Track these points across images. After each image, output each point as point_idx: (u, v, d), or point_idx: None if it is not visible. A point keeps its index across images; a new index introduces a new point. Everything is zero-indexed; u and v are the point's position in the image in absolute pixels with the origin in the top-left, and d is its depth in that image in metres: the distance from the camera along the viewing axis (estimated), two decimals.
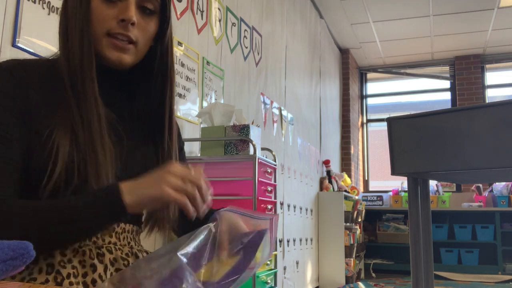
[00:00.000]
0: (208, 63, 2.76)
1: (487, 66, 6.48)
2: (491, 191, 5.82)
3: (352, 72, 6.67)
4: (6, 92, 0.77)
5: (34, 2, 1.61)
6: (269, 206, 2.37)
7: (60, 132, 0.78)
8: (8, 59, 0.84)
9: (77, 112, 0.80)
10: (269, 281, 2.29)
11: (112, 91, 0.91)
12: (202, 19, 2.73)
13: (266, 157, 2.42)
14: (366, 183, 6.95)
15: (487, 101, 6.26)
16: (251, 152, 2.22)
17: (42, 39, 1.63)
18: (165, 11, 0.90)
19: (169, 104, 0.93)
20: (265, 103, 3.57)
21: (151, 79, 0.93)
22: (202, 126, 2.47)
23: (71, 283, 0.75)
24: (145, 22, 0.87)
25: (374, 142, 7.06)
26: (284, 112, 3.99)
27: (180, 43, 2.48)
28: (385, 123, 1.31)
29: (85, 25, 0.82)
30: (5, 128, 0.75)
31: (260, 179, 2.24)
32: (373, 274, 5.66)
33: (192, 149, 2.52)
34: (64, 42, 0.84)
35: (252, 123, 3.09)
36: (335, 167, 5.69)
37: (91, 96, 0.81)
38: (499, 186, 5.75)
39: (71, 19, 0.83)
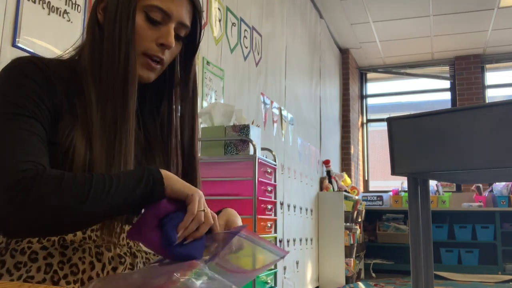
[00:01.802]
0: (208, 63, 2.76)
1: (487, 66, 6.48)
2: (491, 191, 5.82)
3: (352, 72, 6.67)
4: (32, 78, 0.79)
5: (34, 2, 1.61)
6: (269, 206, 2.38)
7: (78, 133, 0.79)
8: (26, 55, 0.86)
9: (102, 122, 0.81)
10: (269, 281, 2.29)
11: None
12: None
13: (266, 157, 2.42)
14: (366, 183, 6.94)
15: (487, 101, 6.26)
16: (251, 152, 2.22)
17: (42, 39, 1.63)
18: (193, 37, 0.94)
19: (196, 125, 0.99)
20: (265, 103, 3.57)
21: (164, 97, 0.97)
22: (202, 126, 2.47)
23: (68, 282, 0.75)
24: (175, 45, 0.91)
25: (374, 142, 7.06)
26: (284, 112, 3.99)
27: None
28: (385, 123, 1.31)
29: (131, 41, 0.84)
30: (33, 108, 0.76)
31: (260, 179, 2.24)
32: (373, 274, 5.67)
33: None
34: (99, 51, 0.85)
35: (252, 123, 3.09)
36: (335, 167, 5.69)
37: (131, 112, 0.83)
38: (499, 186, 5.75)
39: (116, 32, 0.84)
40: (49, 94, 0.79)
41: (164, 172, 0.76)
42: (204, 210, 0.77)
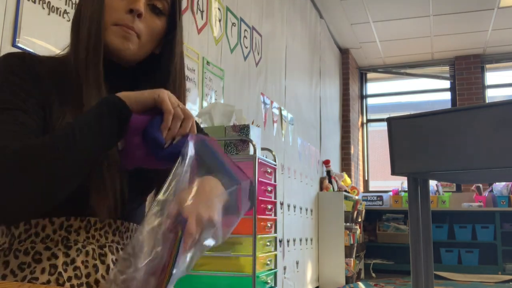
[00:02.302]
0: (208, 63, 2.76)
1: (487, 66, 6.48)
2: (491, 191, 5.82)
3: (352, 72, 6.67)
4: (17, 73, 0.79)
5: (34, 2, 1.61)
6: (269, 206, 2.38)
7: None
8: (18, 51, 0.86)
9: (80, 100, 0.81)
10: (269, 281, 2.29)
11: (117, 90, 0.91)
12: (202, 19, 2.73)
13: (266, 157, 2.42)
14: (366, 183, 6.94)
15: (487, 101, 6.26)
16: (251, 152, 2.22)
17: (42, 39, 1.63)
18: (174, 15, 0.92)
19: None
20: (265, 103, 3.57)
21: (155, 83, 0.94)
22: (202, 126, 2.47)
23: (72, 286, 0.75)
24: (152, 19, 0.89)
25: (374, 142, 7.06)
26: (284, 112, 3.99)
27: None
28: (385, 123, 1.31)
29: (95, 14, 0.84)
30: (18, 102, 0.76)
31: (260, 179, 2.24)
32: (373, 274, 5.66)
33: None
34: (75, 32, 0.87)
35: (252, 123, 3.09)
36: (335, 167, 5.69)
37: (94, 82, 0.82)
38: (499, 186, 5.75)
39: (84, 9, 0.86)
40: (37, 88, 0.80)
41: (119, 93, 0.76)
42: (179, 106, 0.77)
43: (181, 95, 0.93)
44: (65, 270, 0.75)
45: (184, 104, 0.94)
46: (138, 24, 0.87)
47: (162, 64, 0.93)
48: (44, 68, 0.83)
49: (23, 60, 0.81)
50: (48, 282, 0.74)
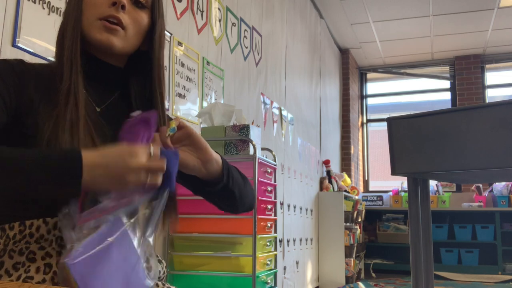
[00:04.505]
0: (208, 63, 2.75)
1: (487, 66, 6.48)
2: (491, 191, 5.82)
3: (352, 72, 6.66)
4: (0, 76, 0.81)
5: (34, 2, 1.61)
6: (269, 206, 2.38)
7: (58, 128, 0.80)
8: (15, 58, 0.89)
9: (63, 107, 0.83)
10: (269, 281, 2.29)
11: (104, 88, 0.94)
12: (202, 19, 2.73)
13: (266, 157, 2.42)
14: (366, 183, 6.94)
15: (487, 101, 6.26)
16: (251, 152, 2.22)
17: (42, 39, 1.63)
18: (155, 9, 0.94)
19: (162, 103, 0.96)
20: (265, 103, 3.57)
21: (143, 80, 0.95)
22: (202, 126, 2.47)
23: None
24: (136, 12, 0.91)
25: (374, 142, 7.06)
26: (284, 112, 3.98)
27: (180, 43, 2.48)
28: (385, 123, 1.31)
29: (75, 15, 0.87)
30: None
31: (260, 179, 2.24)
32: (373, 274, 5.66)
33: None
34: (59, 38, 0.89)
35: (252, 123, 3.09)
36: (335, 167, 5.69)
37: (74, 91, 0.84)
38: (499, 186, 5.74)
39: (66, 13, 0.89)
40: (15, 91, 0.81)
41: (88, 161, 0.71)
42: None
43: (162, 87, 0.95)
44: None
45: (163, 93, 0.95)
46: (124, 17, 0.88)
47: (151, 60, 0.94)
48: (32, 76, 0.85)
49: (12, 66, 0.83)
50: (44, 281, 0.74)
